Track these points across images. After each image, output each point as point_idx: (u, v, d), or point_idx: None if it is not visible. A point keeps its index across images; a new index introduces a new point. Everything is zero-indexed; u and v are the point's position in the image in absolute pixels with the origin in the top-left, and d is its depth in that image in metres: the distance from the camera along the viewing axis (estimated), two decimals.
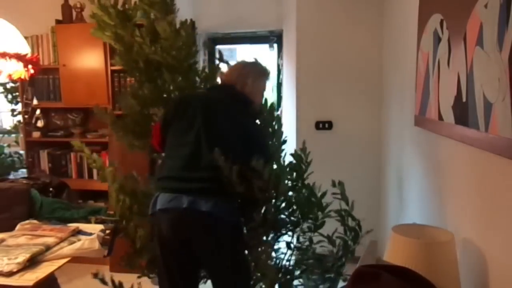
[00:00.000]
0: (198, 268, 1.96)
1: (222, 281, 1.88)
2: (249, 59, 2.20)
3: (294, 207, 2.15)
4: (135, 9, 2.24)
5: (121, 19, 2.20)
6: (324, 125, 3.27)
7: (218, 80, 2.27)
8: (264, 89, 2.13)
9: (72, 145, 2.21)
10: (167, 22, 2.14)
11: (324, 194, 2.11)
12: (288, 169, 2.21)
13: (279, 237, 2.20)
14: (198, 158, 1.79)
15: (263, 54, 4.16)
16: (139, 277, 2.24)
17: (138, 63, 2.19)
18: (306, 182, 2.19)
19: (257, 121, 2.18)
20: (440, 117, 1.66)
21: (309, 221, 2.14)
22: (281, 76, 4.00)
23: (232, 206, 1.85)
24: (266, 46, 4.07)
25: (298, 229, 2.16)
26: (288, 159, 2.26)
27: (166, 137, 1.95)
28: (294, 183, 2.21)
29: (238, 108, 1.94)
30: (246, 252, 2.00)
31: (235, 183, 1.77)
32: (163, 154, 2.06)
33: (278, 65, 4.00)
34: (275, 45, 4.01)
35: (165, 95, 2.26)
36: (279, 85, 4.05)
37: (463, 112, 1.41)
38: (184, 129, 1.87)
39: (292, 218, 2.15)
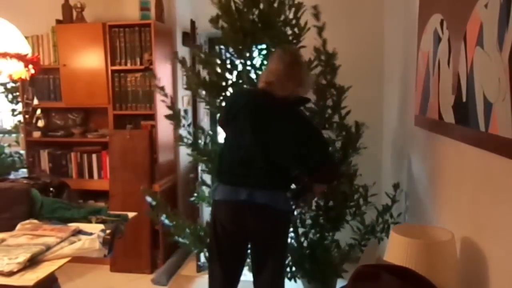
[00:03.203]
0: (246, 252, 2.20)
1: (267, 260, 2.10)
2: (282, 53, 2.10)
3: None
4: None
5: None
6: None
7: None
8: (309, 81, 2.18)
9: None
10: None
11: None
12: None
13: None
14: (252, 159, 2.01)
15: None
16: None
17: (242, 28, 2.28)
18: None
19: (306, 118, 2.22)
20: (440, 117, 1.66)
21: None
22: None
23: (285, 196, 2.09)
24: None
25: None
26: None
27: (225, 132, 2.20)
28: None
29: (283, 114, 2.04)
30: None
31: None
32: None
33: None
34: None
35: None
36: None
37: (463, 112, 1.41)
38: (238, 131, 2.08)
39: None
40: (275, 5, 2.31)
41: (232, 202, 2.02)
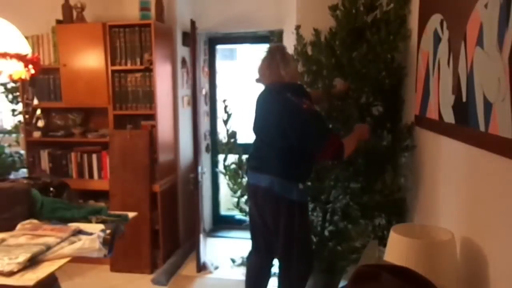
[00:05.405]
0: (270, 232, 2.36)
1: (280, 251, 2.30)
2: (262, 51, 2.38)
3: None
4: None
5: None
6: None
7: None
8: (288, 68, 2.25)
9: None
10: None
11: None
12: None
13: None
14: (260, 147, 2.34)
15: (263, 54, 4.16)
16: None
17: (354, 23, 2.56)
18: None
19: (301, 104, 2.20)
20: (440, 117, 1.66)
21: None
22: None
23: (289, 185, 2.20)
24: (266, 46, 4.07)
25: None
26: None
27: None
28: None
29: (274, 102, 2.26)
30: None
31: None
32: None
33: None
34: None
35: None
36: None
37: (463, 112, 1.41)
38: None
39: None
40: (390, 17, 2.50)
41: (250, 185, 2.39)
